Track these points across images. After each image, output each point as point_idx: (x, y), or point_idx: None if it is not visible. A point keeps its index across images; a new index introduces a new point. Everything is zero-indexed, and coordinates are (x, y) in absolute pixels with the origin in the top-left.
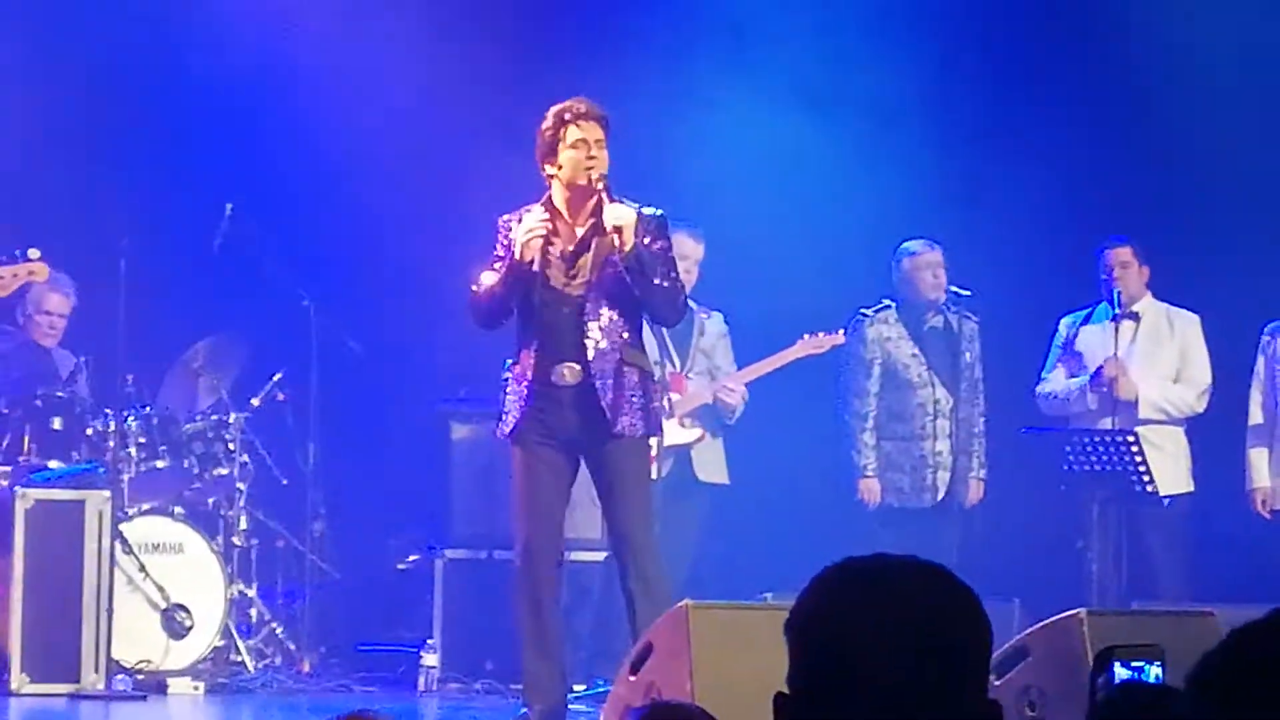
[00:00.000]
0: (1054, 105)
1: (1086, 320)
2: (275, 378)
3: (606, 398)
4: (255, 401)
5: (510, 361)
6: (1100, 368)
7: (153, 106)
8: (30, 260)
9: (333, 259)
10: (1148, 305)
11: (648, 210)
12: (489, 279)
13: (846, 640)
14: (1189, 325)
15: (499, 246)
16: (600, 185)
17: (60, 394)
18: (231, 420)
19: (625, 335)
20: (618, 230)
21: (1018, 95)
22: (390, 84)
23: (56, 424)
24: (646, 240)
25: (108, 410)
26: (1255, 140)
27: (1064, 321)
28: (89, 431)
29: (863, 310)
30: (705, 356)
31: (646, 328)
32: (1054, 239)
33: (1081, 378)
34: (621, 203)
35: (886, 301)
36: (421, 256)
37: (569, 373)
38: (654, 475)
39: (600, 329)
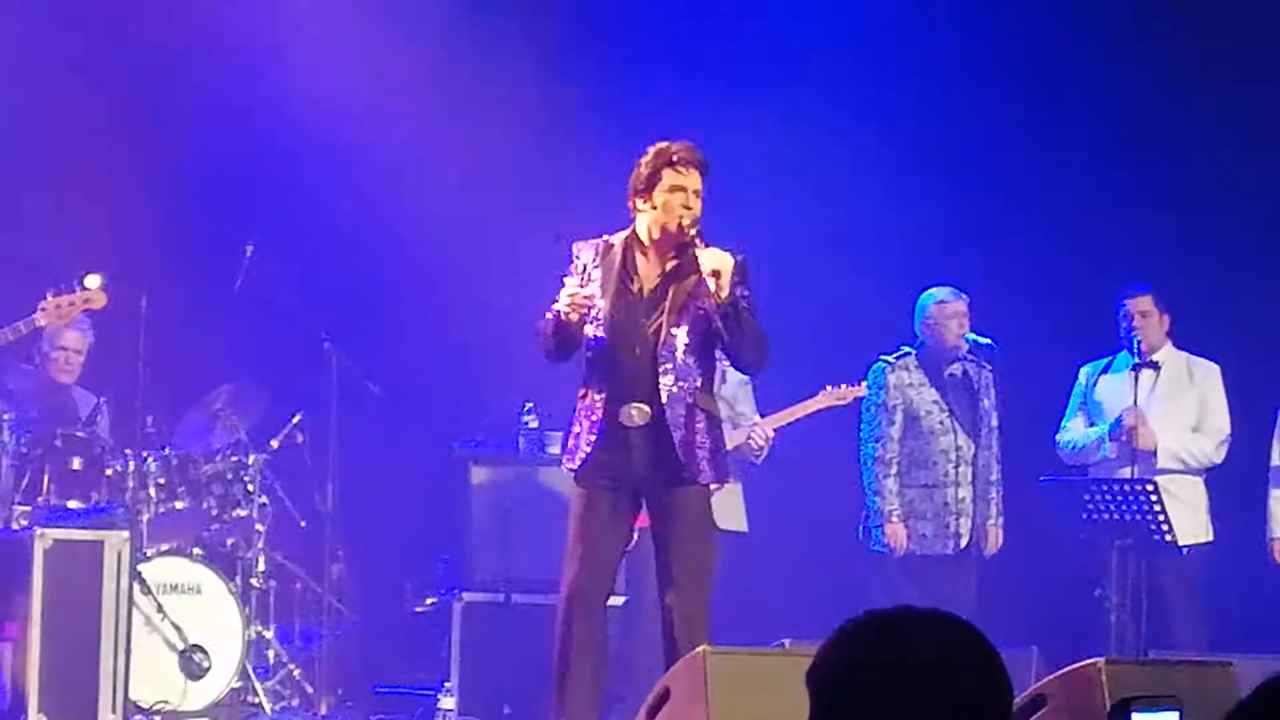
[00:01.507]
0: (1076, 151)
1: (1106, 369)
2: (295, 419)
3: (677, 442)
4: (274, 443)
5: (580, 395)
6: (1120, 417)
7: (174, 146)
8: (88, 289)
9: (353, 301)
10: (1168, 354)
11: (738, 256)
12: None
13: (868, 693)
14: (1209, 375)
15: (571, 273)
16: (693, 232)
17: (80, 434)
18: (251, 461)
19: (698, 380)
20: (715, 275)
21: (1039, 141)
22: (411, 127)
23: (76, 464)
24: (736, 285)
25: (127, 451)
26: (1273, 186)
27: (1084, 370)
28: (108, 472)
29: (884, 357)
30: (726, 404)
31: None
32: (1074, 287)
33: (1101, 427)
34: (711, 247)
35: (907, 349)
36: (441, 299)
37: (638, 414)
38: None
39: (674, 372)
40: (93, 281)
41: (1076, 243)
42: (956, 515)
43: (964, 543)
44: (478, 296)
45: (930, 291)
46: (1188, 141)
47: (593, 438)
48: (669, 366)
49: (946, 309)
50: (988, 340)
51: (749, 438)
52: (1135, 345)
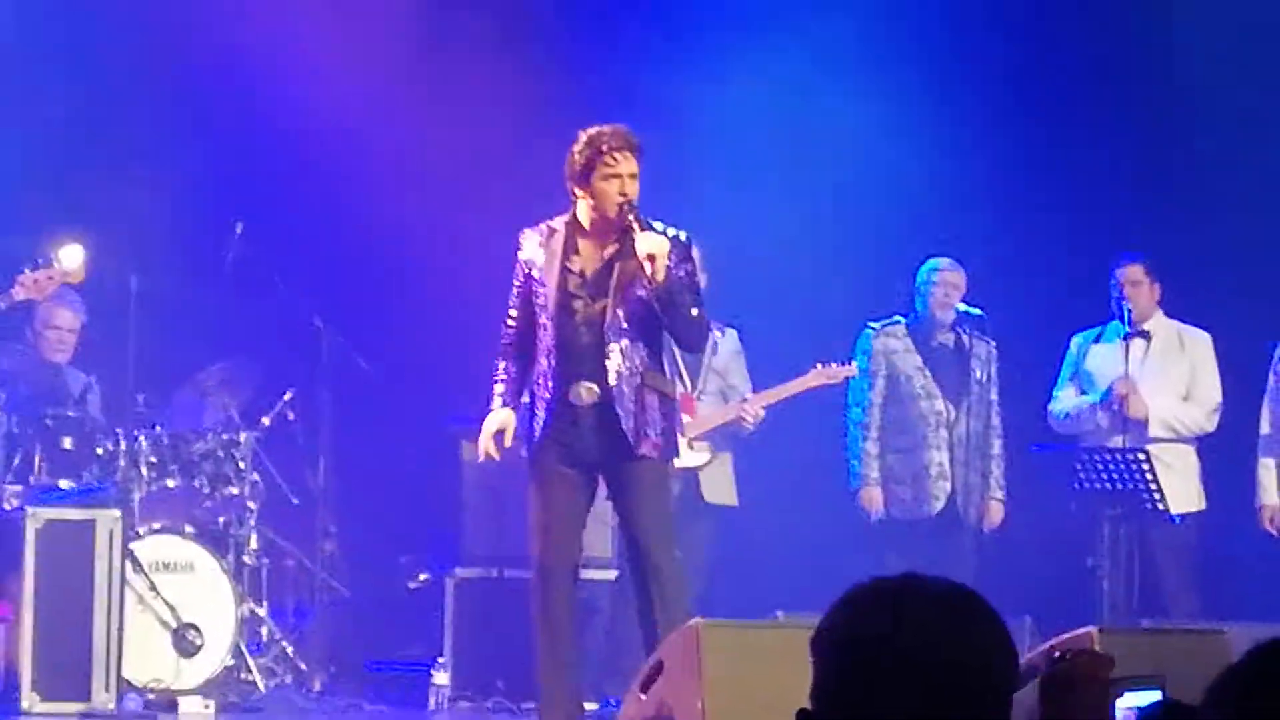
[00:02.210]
0: (1067, 121)
1: (1098, 339)
2: (286, 397)
3: (628, 420)
4: (266, 420)
5: (534, 376)
6: (1111, 386)
7: (163, 124)
8: (63, 262)
9: (344, 278)
10: (1159, 323)
11: (673, 232)
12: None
13: (872, 659)
14: (1200, 344)
15: (518, 272)
16: (630, 216)
17: (71, 413)
18: (242, 439)
19: (646, 358)
20: (650, 259)
21: (1030, 111)
22: (401, 103)
23: (67, 443)
24: (673, 266)
25: (119, 429)
26: (1270, 158)
27: (1075, 340)
28: (99, 451)
29: (870, 324)
30: (718, 376)
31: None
32: (1065, 256)
33: (1092, 395)
34: (650, 227)
35: (898, 317)
36: (433, 276)
37: (586, 393)
38: None
39: (621, 351)
40: (69, 254)
41: (1068, 212)
42: (934, 479)
43: (939, 506)
44: (469, 273)
45: (931, 259)
46: (1177, 106)
47: (545, 417)
48: (614, 347)
49: (937, 275)
50: (978, 311)
51: (739, 416)
52: (1126, 314)
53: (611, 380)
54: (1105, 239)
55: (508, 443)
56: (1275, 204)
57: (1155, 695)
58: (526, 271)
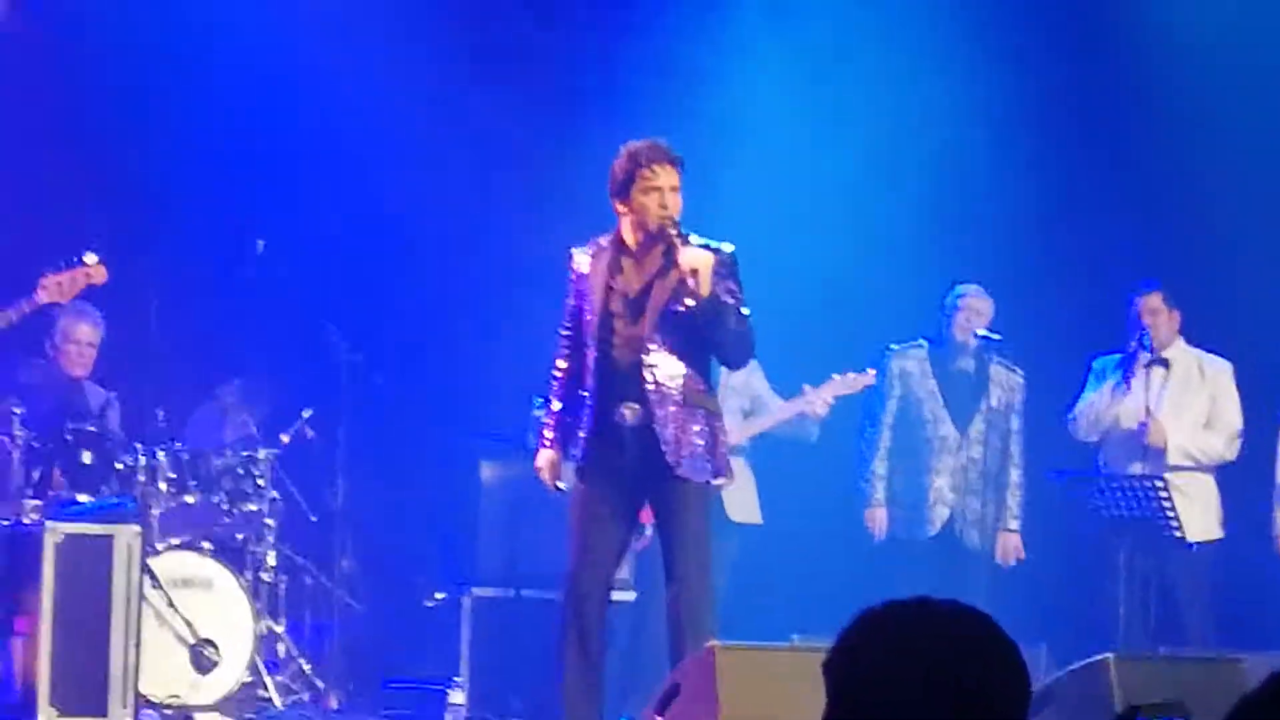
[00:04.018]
0: (1086, 149)
1: (1118, 366)
2: (305, 414)
3: (669, 440)
4: (285, 438)
5: (580, 393)
6: (1122, 368)
7: (185, 142)
8: (87, 264)
9: (363, 296)
10: (1179, 351)
11: (715, 245)
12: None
13: (886, 682)
14: (1220, 372)
15: (570, 279)
16: (672, 232)
17: (91, 428)
18: (261, 456)
19: (690, 377)
20: (694, 274)
21: (1050, 137)
22: (419, 121)
23: (86, 458)
24: (717, 281)
25: (138, 445)
26: None
27: (1095, 363)
28: (119, 466)
29: (891, 345)
30: (735, 394)
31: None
32: (1085, 284)
33: (1100, 386)
34: (692, 242)
35: (920, 340)
36: (452, 294)
37: (629, 413)
38: None
39: (664, 370)
40: (91, 258)
41: (1088, 239)
42: (931, 504)
43: (933, 531)
44: (488, 292)
45: (957, 286)
46: (1198, 136)
47: (589, 436)
48: (655, 365)
49: (960, 302)
50: (998, 336)
51: (807, 406)
52: (1146, 342)
53: (652, 398)
54: (1124, 266)
55: (559, 483)
56: None
57: None
58: (578, 288)
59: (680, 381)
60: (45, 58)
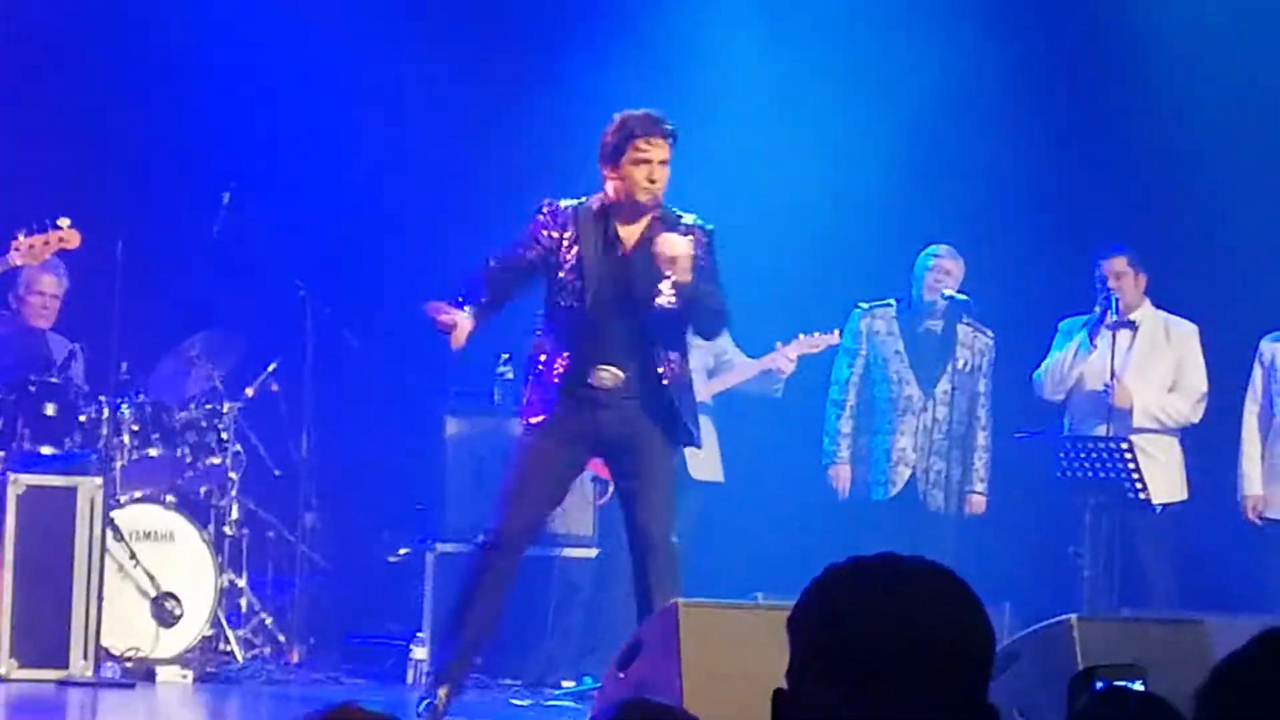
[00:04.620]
0: (1052, 112)
1: (1084, 325)
2: (270, 368)
3: (649, 403)
4: (249, 391)
5: (543, 358)
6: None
7: (150, 93)
8: (60, 228)
9: (330, 250)
10: (1145, 314)
11: (696, 222)
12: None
13: (850, 639)
14: (1186, 335)
15: (533, 228)
16: (654, 212)
17: (54, 380)
18: (225, 410)
19: (669, 343)
20: (672, 262)
21: (1017, 101)
22: (390, 75)
23: (50, 410)
24: (698, 258)
25: (101, 397)
26: (1256, 150)
27: (1062, 325)
28: (82, 418)
29: (860, 304)
30: (700, 351)
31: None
32: (1054, 247)
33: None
34: (677, 218)
35: (889, 300)
36: (419, 249)
37: (609, 376)
38: None
39: (644, 335)
40: (64, 221)
41: (1062, 202)
42: (892, 463)
43: (894, 491)
44: (455, 247)
45: (929, 246)
46: (1163, 99)
47: (554, 399)
48: (638, 331)
49: (931, 262)
50: (964, 296)
51: (777, 367)
52: (1113, 304)
53: (633, 363)
54: (1094, 229)
55: (455, 343)
56: (1264, 195)
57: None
58: (548, 241)
59: (661, 347)
60: (5, 18)
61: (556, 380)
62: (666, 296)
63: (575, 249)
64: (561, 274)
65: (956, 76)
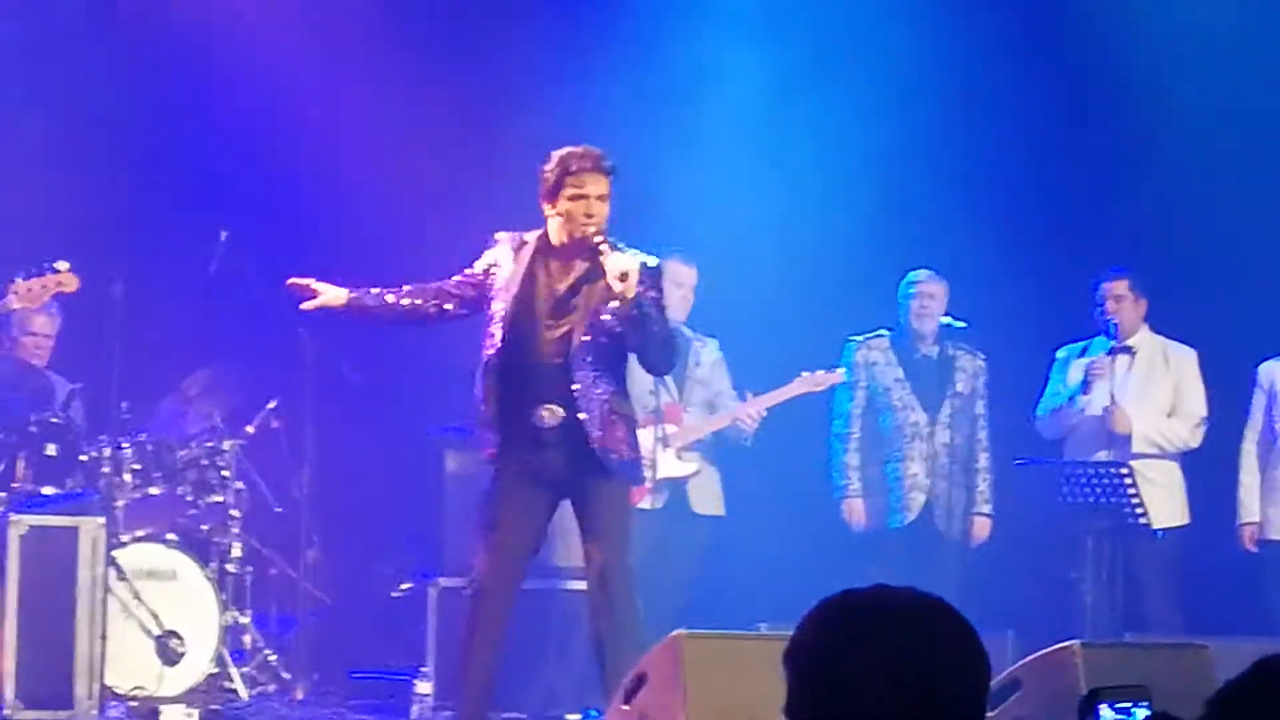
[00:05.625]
0: (1053, 136)
1: (1083, 353)
2: (270, 405)
3: (594, 442)
4: (250, 429)
5: (481, 397)
6: (1085, 379)
7: (148, 132)
8: (59, 272)
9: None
10: (1144, 339)
11: (642, 258)
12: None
13: (845, 672)
14: (1185, 360)
15: (479, 264)
16: (598, 240)
17: (55, 420)
18: (226, 447)
19: (610, 381)
20: (622, 278)
21: (1016, 126)
22: (384, 115)
23: (51, 450)
24: (642, 289)
25: (102, 436)
26: (1255, 175)
27: (1060, 353)
28: (83, 458)
29: (852, 337)
30: (702, 386)
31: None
32: (1051, 271)
33: (1066, 392)
34: (620, 250)
35: (882, 330)
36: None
37: (549, 415)
38: (649, 506)
39: (587, 375)
40: (63, 265)
41: (1053, 226)
42: (907, 490)
43: (910, 517)
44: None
45: (910, 272)
46: (1165, 124)
47: (503, 439)
48: (582, 370)
49: (913, 289)
50: (962, 323)
51: (739, 419)
52: (1111, 329)
53: (579, 403)
54: (1090, 253)
55: (311, 304)
56: (1263, 220)
57: (1143, 709)
58: (488, 272)
59: (605, 386)
60: (5, 53)
61: (502, 423)
62: (610, 316)
63: (512, 283)
64: (493, 304)
65: (951, 97)
